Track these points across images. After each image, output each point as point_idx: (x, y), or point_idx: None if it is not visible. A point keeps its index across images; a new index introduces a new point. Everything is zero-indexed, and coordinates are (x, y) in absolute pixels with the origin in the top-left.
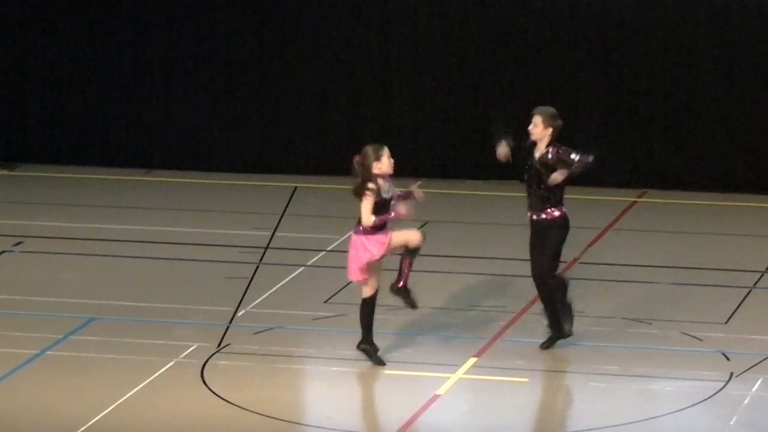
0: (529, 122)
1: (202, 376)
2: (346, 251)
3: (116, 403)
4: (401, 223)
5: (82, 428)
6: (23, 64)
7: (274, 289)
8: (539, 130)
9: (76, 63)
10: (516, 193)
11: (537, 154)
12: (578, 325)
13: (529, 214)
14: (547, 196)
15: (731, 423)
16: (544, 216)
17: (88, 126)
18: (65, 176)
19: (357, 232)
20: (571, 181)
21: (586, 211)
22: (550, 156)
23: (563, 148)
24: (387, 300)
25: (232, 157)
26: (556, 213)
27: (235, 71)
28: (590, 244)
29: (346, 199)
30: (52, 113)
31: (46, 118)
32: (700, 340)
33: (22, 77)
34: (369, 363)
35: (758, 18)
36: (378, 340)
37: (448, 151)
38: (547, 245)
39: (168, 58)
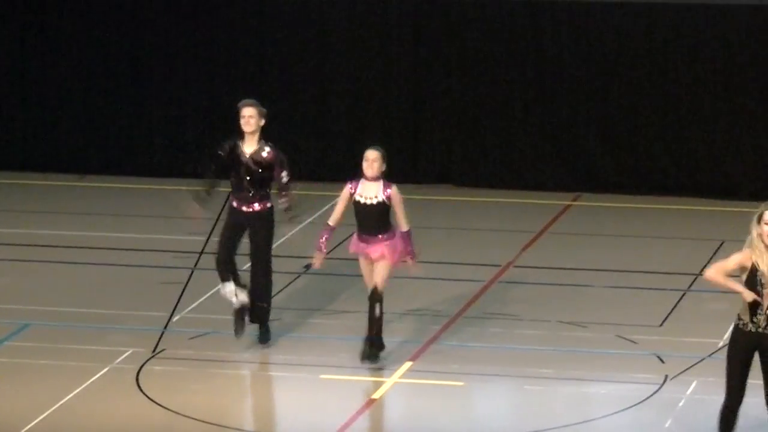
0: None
1: (137, 382)
2: (279, 256)
3: (51, 409)
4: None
5: None
6: None
7: (208, 294)
8: (255, 122)
9: (11, 68)
10: (446, 197)
11: (248, 150)
12: (513, 328)
13: (236, 206)
14: (256, 191)
15: (666, 425)
16: (252, 209)
17: (18, 131)
18: None
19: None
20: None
21: (521, 214)
22: (266, 154)
23: (278, 151)
24: (323, 305)
25: (164, 161)
26: (267, 205)
27: (174, 78)
28: (525, 248)
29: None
30: None
31: None
32: (635, 342)
33: None
34: (304, 367)
35: (683, 22)
36: (314, 344)
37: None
38: (261, 238)
39: (107, 65)
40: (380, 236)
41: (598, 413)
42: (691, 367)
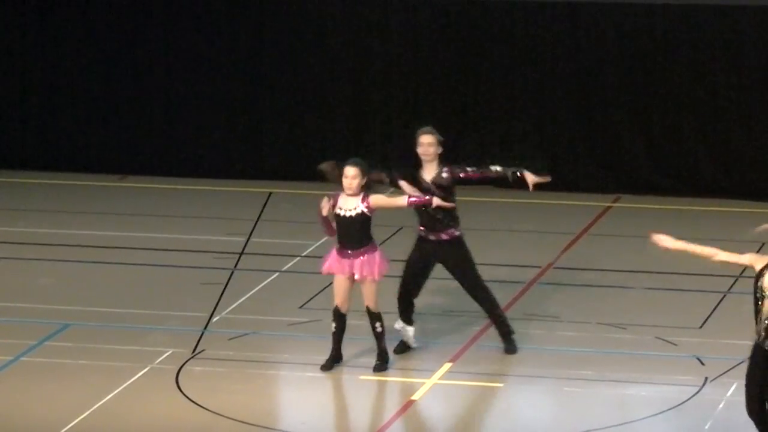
0: (415, 144)
1: (176, 382)
2: (321, 257)
3: (91, 409)
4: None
5: None
6: None
7: (249, 294)
8: (434, 150)
9: (45, 69)
10: (487, 198)
11: (428, 177)
12: (553, 329)
13: (423, 234)
14: (443, 216)
15: (706, 427)
16: (440, 238)
17: (61, 132)
18: (38, 182)
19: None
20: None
21: (561, 216)
22: (445, 175)
23: (453, 166)
24: (361, 306)
25: (206, 162)
26: (456, 233)
27: (207, 78)
28: (565, 249)
29: None
30: (23, 119)
31: (17, 124)
32: (675, 344)
33: None
34: (344, 368)
35: (725, 22)
36: (353, 345)
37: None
38: (458, 264)
39: (138, 65)
40: (362, 248)
41: (637, 415)
42: (731, 369)
